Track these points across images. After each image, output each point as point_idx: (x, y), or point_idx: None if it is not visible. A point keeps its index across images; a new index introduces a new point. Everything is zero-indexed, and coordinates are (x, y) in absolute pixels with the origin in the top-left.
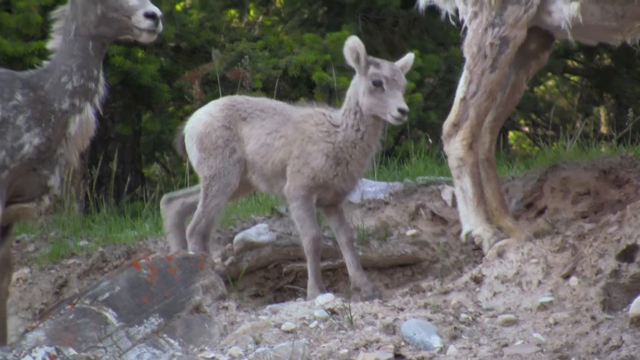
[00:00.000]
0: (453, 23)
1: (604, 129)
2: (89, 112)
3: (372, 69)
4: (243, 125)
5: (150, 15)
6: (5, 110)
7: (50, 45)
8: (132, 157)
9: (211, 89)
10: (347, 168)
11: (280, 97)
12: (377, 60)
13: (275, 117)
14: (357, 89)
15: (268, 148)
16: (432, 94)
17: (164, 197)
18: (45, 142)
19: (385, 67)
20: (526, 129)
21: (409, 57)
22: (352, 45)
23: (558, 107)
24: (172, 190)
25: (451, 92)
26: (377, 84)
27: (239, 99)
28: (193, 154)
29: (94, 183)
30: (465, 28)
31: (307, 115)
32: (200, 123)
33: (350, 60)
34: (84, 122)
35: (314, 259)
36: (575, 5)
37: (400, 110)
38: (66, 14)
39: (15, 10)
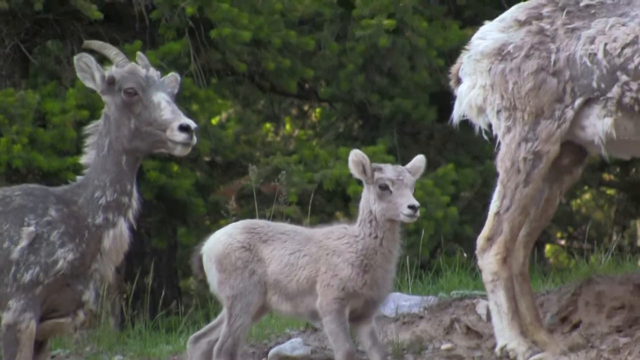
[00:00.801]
0: (486, 137)
1: None
2: (122, 227)
3: (376, 175)
4: (264, 248)
5: (184, 128)
6: (39, 226)
7: (83, 160)
8: (167, 271)
9: (247, 203)
10: (373, 275)
11: (316, 211)
12: (380, 165)
13: (297, 238)
14: (368, 198)
15: (292, 267)
16: (467, 208)
17: (191, 337)
18: (79, 257)
19: (388, 170)
20: (563, 242)
21: (417, 159)
22: (356, 158)
23: (594, 220)
24: (209, 303)
25: (486, 206)
26: (384, 188)
27: (259, 222)
28: (212, 275)
29: (129, 298)
30: (499, 143)
31: (328, 232)
32: (220, 244)
33: (356, 173)
34: (117, 237)
35: None
36: (609, 121)
37: (411, 207)
38: (99, 129)
39: (50, 126)
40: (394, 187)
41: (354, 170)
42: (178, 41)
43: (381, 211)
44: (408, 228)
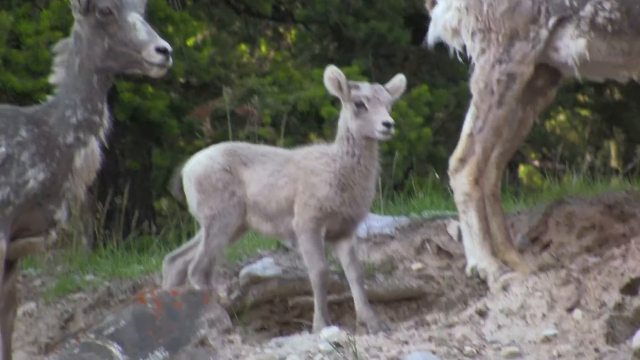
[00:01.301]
0: (460, 59)
1: (614, 163)
2: (94, 146)
3: (353, 92)
4: (244, 170)
5: (161, 50)
6: (10, 147)
7: (53, 79)
8: (141, 192)
9: (221, 125)
10: (351, 193)
11: (290, 132)
12: (357, 83)
13: (276, 159)
14: (345, 116)
15: (271, 188)
16: (441, 129)
17: (167, 257)
18: (50, 177)
19: (365, 87)
20: (536, 163)
21: (397, 78)
22: (332, 75)
23: (568, 141)
24: (181, 224)
25: (461, 127)
26: (360, 105)
27: (239, 144)
28: (192, 195)
29: (102, 218)
30: (473, 64)
31: (307, 152)
32: (201, 165)
33: (332, 89)
34: (89, 156)
35: (320, 293)
36: (582, 42)
37: (385, 124)
38: (69, 47)
39: (24, 47)
40: (369, 104)
41: (329, 86)
42: None
43: (357, 128)
44: (382, 148)
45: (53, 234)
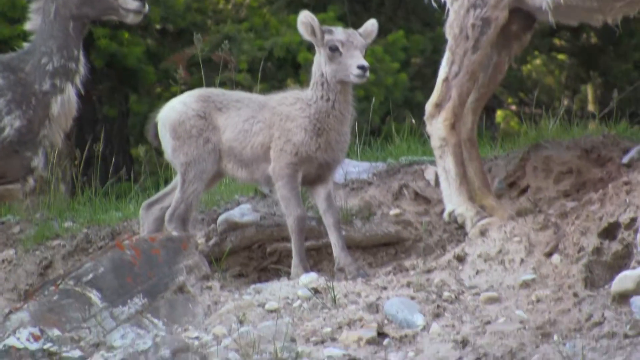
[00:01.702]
0: (435, 5)
1: (591, 107)
2: (70, 92)
3: (326, 37)
4: (218, 115)
5: None
6: None
7: (28, 26)
8: (119, 138)
9: (197, 71)
10: (326, 138)
11: (266, 78)
12: (330, 27)
13: (251, 105)
14: (319, 61)
15: (246, 134)
16: (418, 74)
17: (144, 204)
18: (27, 124)
19: (338, 32)
20: (514, 107)
21: (369, 23)
22: (305, 19)
23: (545, 85)
24: (159, 171)
25: (437, 72)
26: (334, 49)
27: (214, 90)
28: (167, 142)
29: (81, 165)
30: (448, 9)
31: (282, 98)
32: (175, 112)
33: (306, 34)
34: (65, 102)
35: (298, 239)
36: None
37: (360, 67)
38: None
39: None
40: (343, 48)
41: (303, 31)
42: None
43: (331, 73)
44: (358, 94)
45: (30, 181)
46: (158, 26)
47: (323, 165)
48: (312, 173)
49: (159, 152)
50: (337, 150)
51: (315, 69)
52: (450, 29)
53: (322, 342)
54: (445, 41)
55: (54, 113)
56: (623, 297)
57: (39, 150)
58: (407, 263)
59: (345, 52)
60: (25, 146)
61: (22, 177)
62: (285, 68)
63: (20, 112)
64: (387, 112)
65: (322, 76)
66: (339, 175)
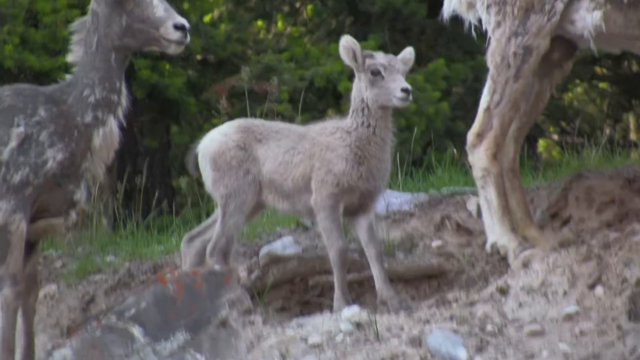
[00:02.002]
0: (475, 33)
1: (633, 136)
2: (112, 125)
3: (368, 61)
4: (259, 146)
5: (179, 27)
6: (29, 127)
7: (70, 58)
8: (160, 170)
9: (239, 102)
10: (368, 167)
11: (308, 108)
12: (371, 52)
13: (291, 136)
14: (359, 87)
15: (287, 165)
16: (459, 104)
17: (185, 237)
18: (69, 157)
19: (379, 56)
20: (555, 136)
21: (406, 51)
22: (347, 44)
23: (587, 114)
24: (200, 202)
25: (478, 101)
26: (376, 73)
27: (254, 121)
28: (207, 173)
29: (122, 198)
30: (489, 38)
31: (321, 128)
32: (215, 143)
33: (347, 59)
34: (107, 135)
35: (340, 271)
36: (598, 14)
37: (404, 90)
38: (87, 26)
39: (41, 26)
40: (385, 72)
41: (344, 56)
42: None
43: (373, 97)
44: (399, 124)
45: (73, 215)
46: (199, 57)
47: (365, 195)
48: (354, 203)
49: (201, 184)
50: (378, 179)
51: (355, 95)
52: (492, 58)
53: None
54: (486, 70)
55: (95, 146)
56: None
57: (81, 184)
58: (449, 295)
59: (387, 76)
60: (68, 179)
61: (64, 210)
62: (326, 98)
63: (62, 145)
64: (428, 142)
65: (363, 102)
66: (380, 206)
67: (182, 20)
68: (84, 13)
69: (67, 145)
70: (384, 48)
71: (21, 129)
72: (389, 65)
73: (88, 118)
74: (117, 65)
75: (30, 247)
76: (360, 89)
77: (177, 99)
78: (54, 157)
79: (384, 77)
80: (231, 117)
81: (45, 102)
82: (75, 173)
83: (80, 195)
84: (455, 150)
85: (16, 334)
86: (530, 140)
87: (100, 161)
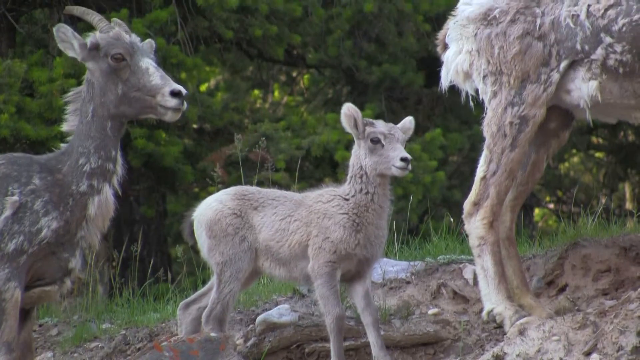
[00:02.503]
0: (472, 104)
1: (629, 205)
2: (107, 193)
3: (368, 129)
4: (255, 214)
5: (175, 94)
6: (23, 195)
7: (65, 127)
8: (156, 239)
9: (235, 170)
10: (365, 234)
11: (304, 177)
12: (372, 120)
13: (287, 204)
14: (358, 154)
15: (283, 233)
16: (456, 173)
17: (181, 304)
18: (64, 225)
19: (380, 124)
20: (551, 205)
21: (407, 120)
22: (348, 112)
23: (583, 183)
24: (196, 270)
25: (475, 171)
26: (376, 141)
27: (250, 188)
28: (202, 241)
29: (118, 266)
30: (486, 107)
31: (318, 195)
32: (211, 210)
33: (348, 127)
34: (103, 203)
35: (336, 338)
36: (594, 84)
37: (403, 159)
38: (82, 96)
39: (37, 95)
40: (385, 140)
41: (345, 123)
42: (165, 9)
43: (372, 165)
44: (396, 193)
45: (68, 283)
46: (195, 125)
47: (362, 262)
48: (350, 270)
49: (197, 252)
50: (376, 246)
51: (353, 162)
52: (488, 127)
53: None
54: (483, 139)
55: (91, 214)
56: None
57: (76, 252)
58: None
59: (387, 144)
60: (63, 247)
61: (59, 278)
62: (322, 167)
63: (57, 214)
64: (425, 210)
65: (362, 169)
66: (377, 274)
67: (178, 87)
68: (80, 82)
69: (62, 214)
70: (381, 117)
71: (16, 197)
72: (389, 134)
73: (83, 186)
74: (112, 133)
75: (25, 314)
76: (359, 156)
77: (173, 167)
78: (48, 225)
79: (383, 145)
80: (227, 186)
81: (39, 171)
82: (70, 241)
83: (75, 263)
84: (451, 219)
85: None
86: (526, 208)
87: (96, 229)
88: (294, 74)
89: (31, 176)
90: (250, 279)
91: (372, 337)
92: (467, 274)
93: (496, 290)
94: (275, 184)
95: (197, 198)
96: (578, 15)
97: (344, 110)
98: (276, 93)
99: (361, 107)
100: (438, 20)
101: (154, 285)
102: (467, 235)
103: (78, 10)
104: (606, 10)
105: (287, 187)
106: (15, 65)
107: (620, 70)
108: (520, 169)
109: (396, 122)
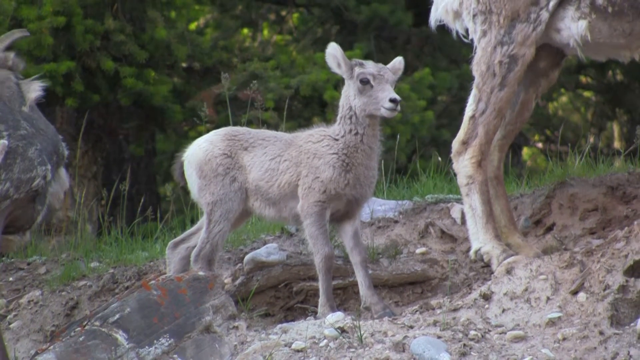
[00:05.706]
0: (464, 41)
1: (616, 144)
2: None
3: (357, 69)
4: (245, 154)
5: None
6: (13, 139)
7: None
8: (146, 177)
9: (224, 109)
10: (355, 174)
11: (293, 116)
12: (361, 60)
13: (277, 144)
14: (348, 94)
15: (273, 173)
16: (444, 112)
17: (170, 243)
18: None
19: (369, 65)
20: (540, 145)
21: (396, 60)
22: (331, 51)
23: (572, 122)
24: (185, 209)
25: (464, 110)
26: (365, 82)
27: (240, 129)
28: (193, 181)
29: (107, 205)
30: (475, 47)
31: (308, 135)
32: (201, 150)
33: (333, 66)
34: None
35: (325, 277)
36: (583, 24)
37: (392, 100)
38: None
39: None
40: (375, 81)
41: (330, 63)
42: None
43: (361, 106)
44: (385, 132)
45: (27, 235)
46: (184, 64)
47: (351, 202)
48: (340, 210)
49: (186, 191)
50: (365, 186)
51: (343, 102)
52: (477, 66)
53: None
54: (472, 78)
55: (61, 176)
56: None
57: (45, 206)
58: (433, 302)
59: (377, 85)
60: (40, 199)
61: (25, 229)
62: (311, 106)
63: (51, 166)
64: (413, 150)
65: (351, 110)
66: (365, 213)
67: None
68: (69, 20)
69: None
70: (369, 57)
71: (4, 141)
72: (379, 74)
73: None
74: None
75: None
76: (348, 97)
77: (162, 106)
78: (44, 175)
79: (372, 86)
80: (216, 125)
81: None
82: (44, 194)
83: (42, 216)
84: (440, 158)
85: None
86: (515, 148)
87: (60, 190)
88: (283, 13)
89: (18, 120)
90: (240, 219)
91: (360, 277)
92: (455, 213)
93: (484, 229)
94: (264, 123)
95: (187, 137)
96: None
97: (327, 50)
98: (265, 32)
99: (350, 47)
100: None
101: (143, 224)
102: (455, 174)
103: None
104: None
105: (275, 127)
106: (4, 3)
107: (610, 9)
108: (509, 108)
109: (385, 61)
